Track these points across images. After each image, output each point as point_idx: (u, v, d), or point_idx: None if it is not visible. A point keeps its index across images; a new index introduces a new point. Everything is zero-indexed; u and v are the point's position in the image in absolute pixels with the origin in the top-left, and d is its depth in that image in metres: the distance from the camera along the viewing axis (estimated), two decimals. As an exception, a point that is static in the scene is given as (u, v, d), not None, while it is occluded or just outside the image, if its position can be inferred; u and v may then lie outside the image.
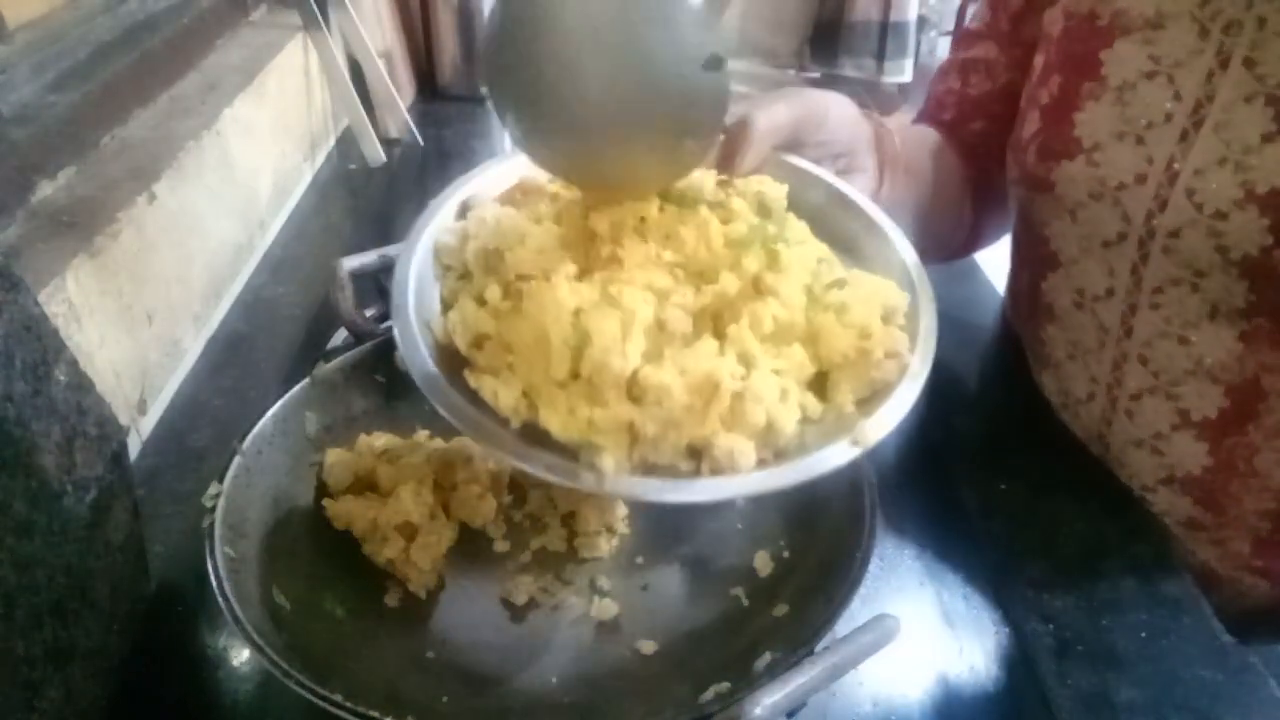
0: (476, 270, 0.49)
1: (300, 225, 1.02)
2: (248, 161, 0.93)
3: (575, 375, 0.43)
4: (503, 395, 0.43)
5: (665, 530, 0.60)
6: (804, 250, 0.49)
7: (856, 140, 0.61)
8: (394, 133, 1.20)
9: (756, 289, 0.46)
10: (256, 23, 1.11)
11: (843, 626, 0.45)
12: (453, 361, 0.46)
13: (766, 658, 0.45)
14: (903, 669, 0.52)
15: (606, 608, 0.53)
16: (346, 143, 1.19)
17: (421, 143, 1.21)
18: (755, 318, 0.46)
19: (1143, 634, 0.55)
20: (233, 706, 0.51)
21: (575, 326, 0.43)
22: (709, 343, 0.45)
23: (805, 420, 0.45)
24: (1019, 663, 0.53)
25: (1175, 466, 0.64)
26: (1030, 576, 0.58)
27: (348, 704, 0.40)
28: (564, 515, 0.60)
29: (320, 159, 1.16)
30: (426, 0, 1.31)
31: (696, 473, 0.43)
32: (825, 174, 0.56)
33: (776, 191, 0.52)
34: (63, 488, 0.44)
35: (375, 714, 0.40)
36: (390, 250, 0.64)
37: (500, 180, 0.55)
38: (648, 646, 0.51)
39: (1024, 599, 0.57)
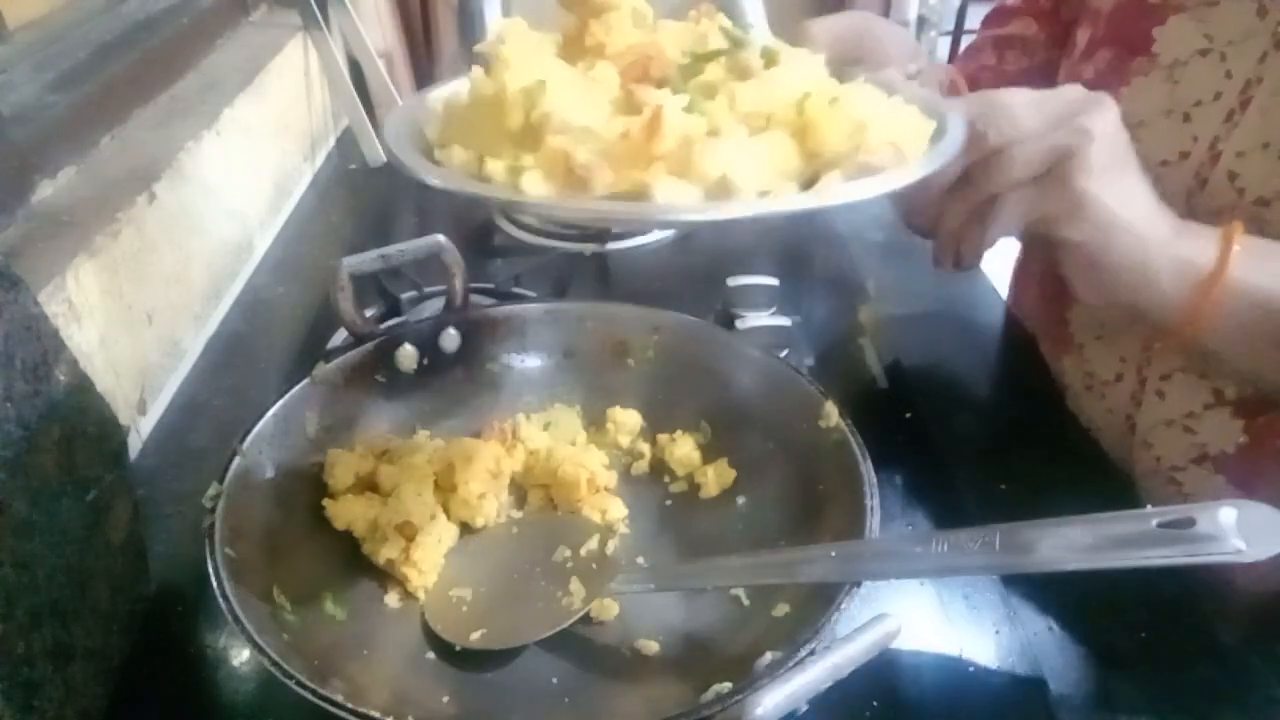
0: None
1: (300, 225, 1.02)
2: (248, 161, 0.93)
3: (530, 132, 0.43)
4: (456, 154, 0.45)
5: (665, 530, 0.60)
6: (807, 57, 0.48)
7: (906, 60, 0.61)
8: (394, 133, 1.20)
9: (735, 73, 0.46)
10: (256, 23, 1.11)
11: (843, 626, 0.45)
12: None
13: (767, 658, 0.45)
14: (903, 669, 0.52)
15: (606, 608, 0.53)
16: (346, 143, 1.19)
17: (421, 143, 1.20)
18: (732, 94, 0.44)
19: (1143, 634, 0.55)
20: (233, 706, 0.51)
21: (535, 86, 0.43)
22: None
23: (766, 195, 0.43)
24: (1019, 663, 0.53)
25: (1208, 445, 0.64)
26: (1030, 576, 0.58)
27: (348, 704, 0.40)
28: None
29: (320, 159, 1.16)
30: (426, 0, 1.31)
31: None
32: (900, 82, 0.53)
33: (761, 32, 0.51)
34: (63, 488, 0.44)
35: (375, 714, 0.40)
36: (390, 250, 0.64)
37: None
38: (648, 646, 0.51)
39: (1024, 599, 0.57)
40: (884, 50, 0.58)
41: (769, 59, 0.47)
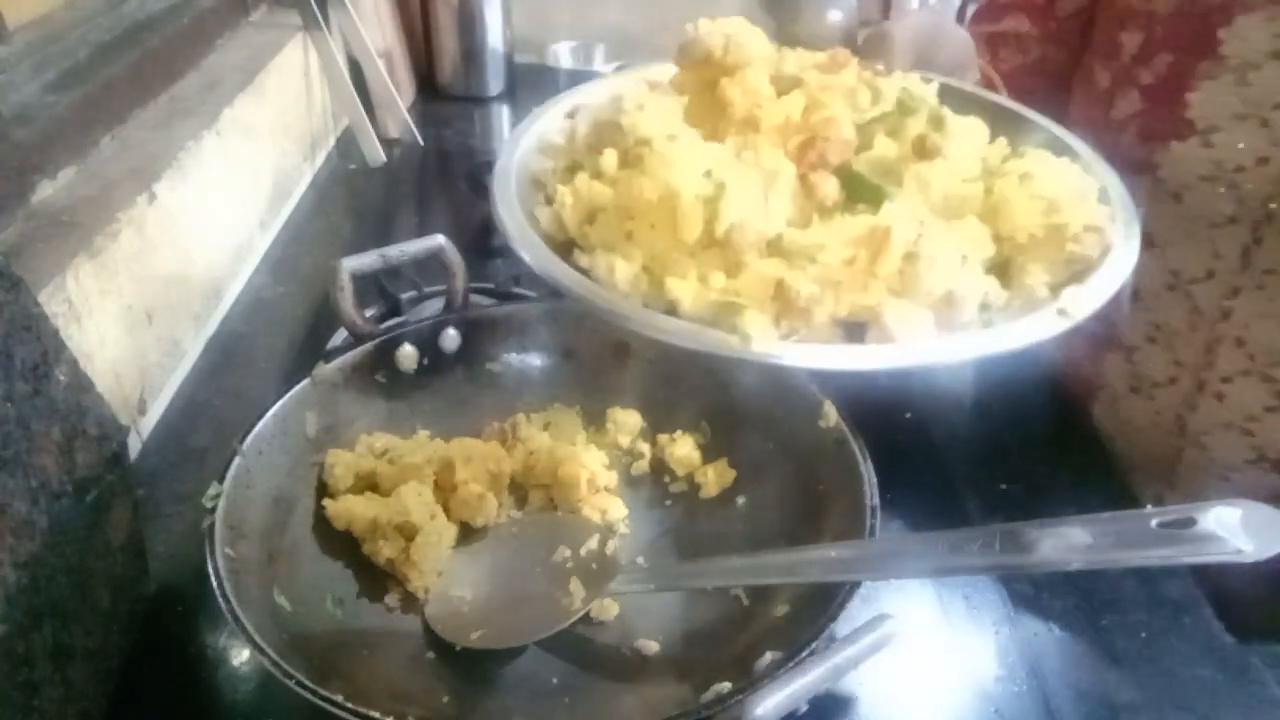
0: (588, 157, 0.45)
1: (300, 225, 1.02)
2: (248, 161, 0.93)
3: (707, 241, 0.38)
4: (620, 269, 0.39)
5: (665, 530, 0.60)
6: (971, 122, 0.44)
7: (969, 61, 0.61)
8: (394, 133, 1.20)
9: (920, 152, 0.41)
10: (256, 23, 1.11)
11: (843, 626, 0.45)
12: (561, 252, 0.42)
13: (767, 658, 0.45)
14: (903, 669, 0.52)
15: (606, 608, 0.53)
16: (346, 143, 1.19)
17: (421, 143, 1.20)
18: (922, 181, 0.40)
19: (1143, 634, 0.55)
20: (233, 706, 0.51)
21: (709, 182, 0.38)
22: (862, 213, 0.39)
23: (985, 308, 0.39)
24: (1019, 663, 0.53)
25: (1267, 447, 0.64)
26: (1030, 577, 0.58)
27: (348, 704, 0.40)
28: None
29: (320, 159, 1.16)
30: (426, 0, 1.31)
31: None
32: (986, 92, 0.53)
33: (922, 88, 0.47)
34: (63, 488, 0.44)
35: (375, 714, 0.40)
36: (390, 250, 0.64)
37: (605, 93, 0.52)
38: (648, 646, 0.51)
39: (1024, 599, 0.57)
40: (951, 51, 0.58)
41: (935, 124, 0.43)
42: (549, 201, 0.45)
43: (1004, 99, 0.52)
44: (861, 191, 0.41)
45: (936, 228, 0.39)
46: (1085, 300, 0.38)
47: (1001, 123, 0.49)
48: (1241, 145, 0.59)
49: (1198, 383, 0.66)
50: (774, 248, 0.37)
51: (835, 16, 0.69)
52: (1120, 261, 0.40)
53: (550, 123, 0.50)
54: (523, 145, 0.49)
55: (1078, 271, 0.40)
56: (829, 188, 0.39)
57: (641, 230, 0.39)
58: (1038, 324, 0.37)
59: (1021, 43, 0.76)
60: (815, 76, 0.45)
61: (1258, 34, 0.58)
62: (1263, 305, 0.61)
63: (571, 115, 0.51)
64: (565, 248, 0.42)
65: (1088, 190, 0.43)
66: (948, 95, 0.49)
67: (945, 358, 0.37)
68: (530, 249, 0.41)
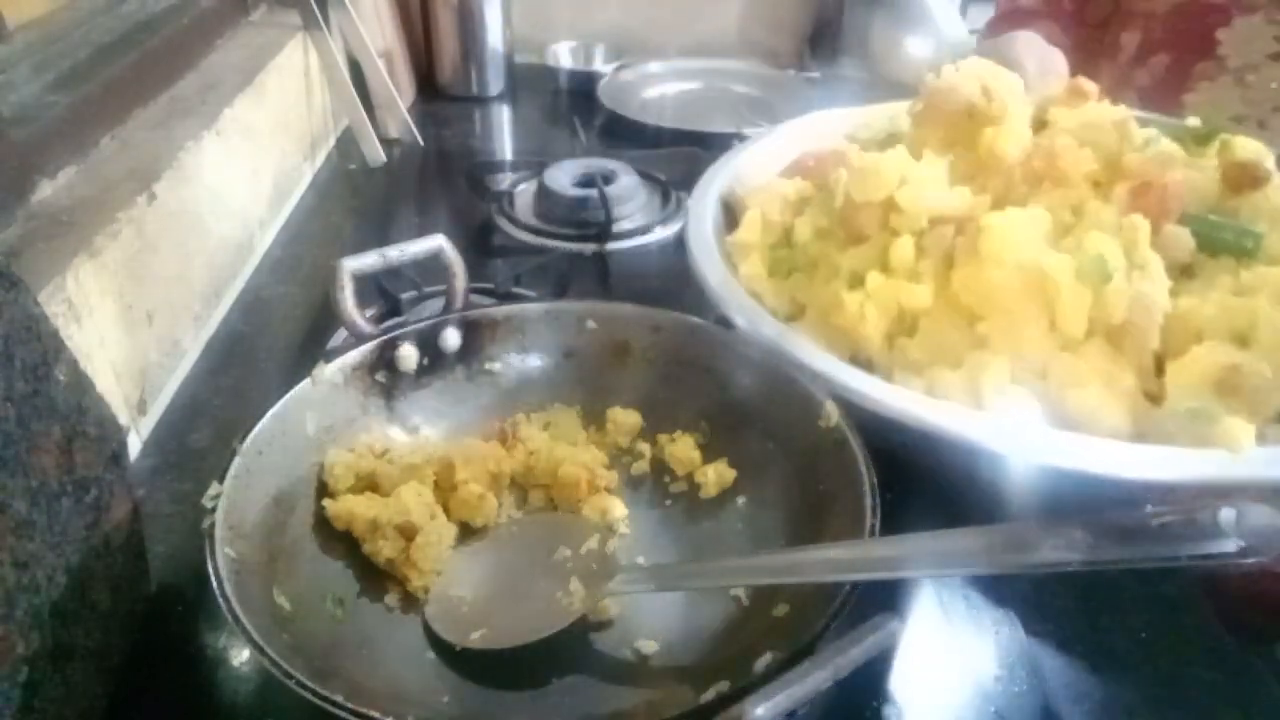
0: (829, 248, 0.38)
1: (300, 225, 1.02)
2: (248, 161, 0.93)
3: (1084, 334, 0.32)
4: (989, 383, 0.31)
5: (665, 530, 0.60)
6: (1247, 142, 0.38)
7: (1062, 69, 0.60)
8: (394, 133, 1.20)
9: (1241, 183, 0.35)
10: (256, 23, 1.11)
11: (842, 627, 0.45)
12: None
13: (767, 658, 0.45)
14: (903, 669, 0.52)
15: (606, 608, 0.53)
16: (346, 143, 1.19)
17: (421, 143, 1.20)
18: (1264, 213, 0.34)
19: (1143, 634, 0.55)
20: (233, 706, 0.51)
21: (1080, 258, 0.31)
22: (1219, 263, 0.33)
23: None
24: (1019, 663, 0.53)
25: None
26: (1030, 576, 0.58)
27: (348, 704, 0.40)
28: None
29: (320, 159, 1.16)
30: (426, 0, 1.31)
31: None
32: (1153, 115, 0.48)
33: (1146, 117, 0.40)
34: (63, 488, 0.44)
35: (375, 714, 0.40)
36: (390, 250, 0.64)
37: (762, 161, 0.46)
38: (648, 646, 0.51)
39: (1024, 599, 0.57)
40: (1054, 60, 0.58)
41: (1227, 149, 0.37)
42: (784, 316, 0.37)
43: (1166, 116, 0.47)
44: (1219, 240, 0.35)
45: None
46: None
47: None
48: None
49: None
50: (1178, 329, 0.31)
51: (922, 50, 0.65)
52: None
53: (709, 214, 0.42)
54: (709, 250, 0.40)
55: None
56: (1183, 240, 0.34)
57: (999, 332, 0.32)
58: None
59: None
60: (1063, 114, 0.40)
61: (1257, 35, 0.59)
62: None
63: (732, 205, 0.43)
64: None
65: None
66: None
67: None
68: (872, 386, 0.32)
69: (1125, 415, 0.31)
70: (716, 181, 0.45)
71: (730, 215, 0.42)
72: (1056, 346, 0.32)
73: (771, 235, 0.40)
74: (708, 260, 0.39)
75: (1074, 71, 0.73)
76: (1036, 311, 0.31)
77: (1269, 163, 0.38)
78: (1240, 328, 0.31)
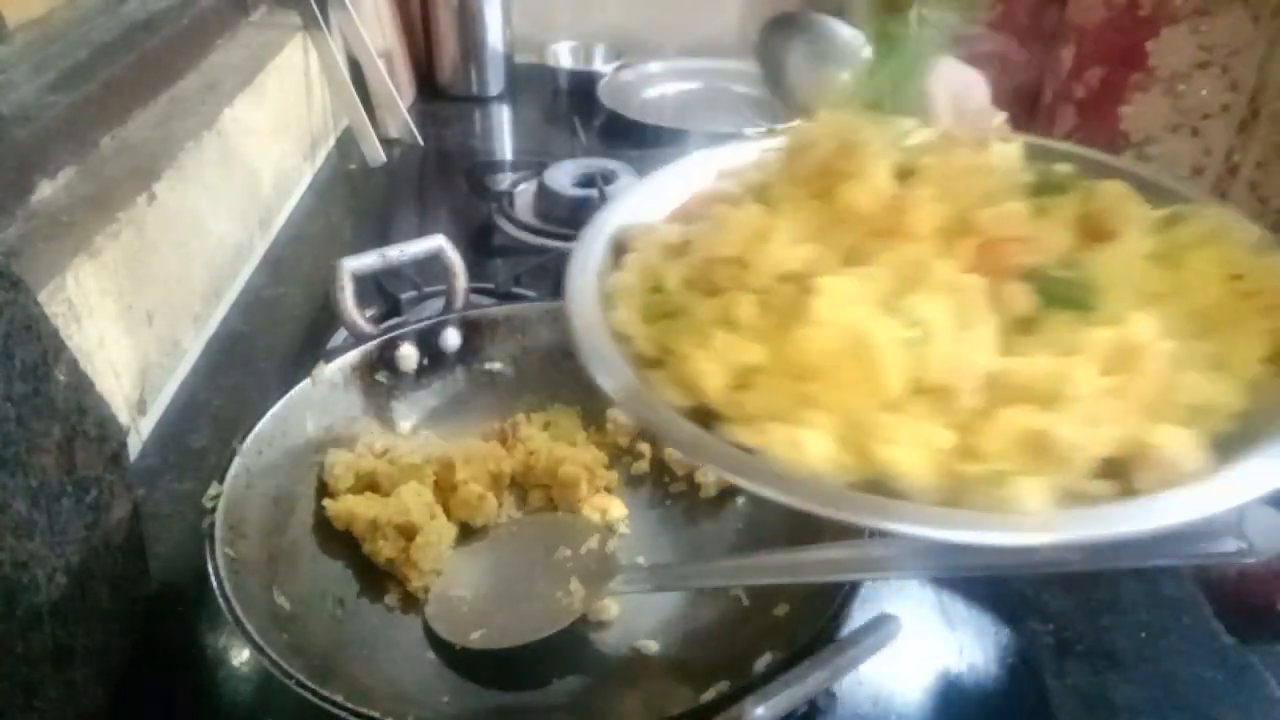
0: (694, 299, 0.38)
1: (300, 225, 1.02)
2: (248, 161, 0.93)
3: (906, 394, 0.32)
4: (811, 444, 0.31)
5: (665, 530, 0.60)
6: (1114, 187, 0.38)
7: (987, 101, 0.59)
8: (394, 133, 1.20)
9: (1093, 234, 0.35)
10: (256, 23, 1.11)
11: (843, 627, 0.45)
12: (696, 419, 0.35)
13: (767, 658, 0.45)
14: (903, 669, 0.52)
15: (606, 608, 0.53)
16: (346, 143, 1.19)
17: (421, 143, 1.20)
18: (1112, 269, 0.34)
19: (1143, 634, 0.55)
20: (233, 706, 0.51)
21: (900, 321, 0.31)
22: (1060, 318, 0.33)
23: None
24: (1019, 663, 0.53)
25: None
26: (1030, 577, 0.58)
27: (348, 704, 0.40)
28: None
29: (320, 159, 1.16)
30: (426, 0, 1.31)
31: (1124, 493, 0.31)
32: (1062, 144, 0.47)
33: (1016, 153, 0.40)
34: (63, 488, 0.44)
35: (375, 714, 0.40)
36: (390, 250, 0.64)
37: (651, 204, 0.45)
38: (648, 646, 0.51)
39: (1024, 599, 0.57)
40: (976, 95, 0.57)
41: (1087, 198, 0.37)
42: (647, 361, 0.37)
43: (1083, 148, 0.45)
44: (1061, 297, 0.34)
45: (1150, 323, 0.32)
46: None
47: (1093, 175, 0.42)
48: (1176, 155, 0.60)
49: None
50: (995, 386, 0.31)
51: (843, 77, 0.66)
52: None
53: (597, 259, 0.42)
54: (585, 291, 0.39)
55: None
56: (1023, 299, 0.33)
57: (825, 391, 0.32)
58: None
59: (1006, 65, 0.75)
60: (933, 162, 0.39)
61: (1184, 45, 0.59)
62: None
63: (622, 246, 0.42)
64: (695, 415, 0.34)
65: (1254, 237, 0.37)
66: (1035, 154, 0.43)
67: (1255, 489, 0.30)
68: (690, 437, 0.33)
69: (934, 474, 0.31)
70: (611, 220, 0.45)
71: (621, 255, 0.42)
72: (880, 406, 0.32)
73: (650, 280, 0.40)
74: (581, 301, 0.39)
75: (1023, 88, 0.72)
76: (858, 372, 0.32)
77: (1129, 210, 0.37)
78: (1055, 389, 0.32)
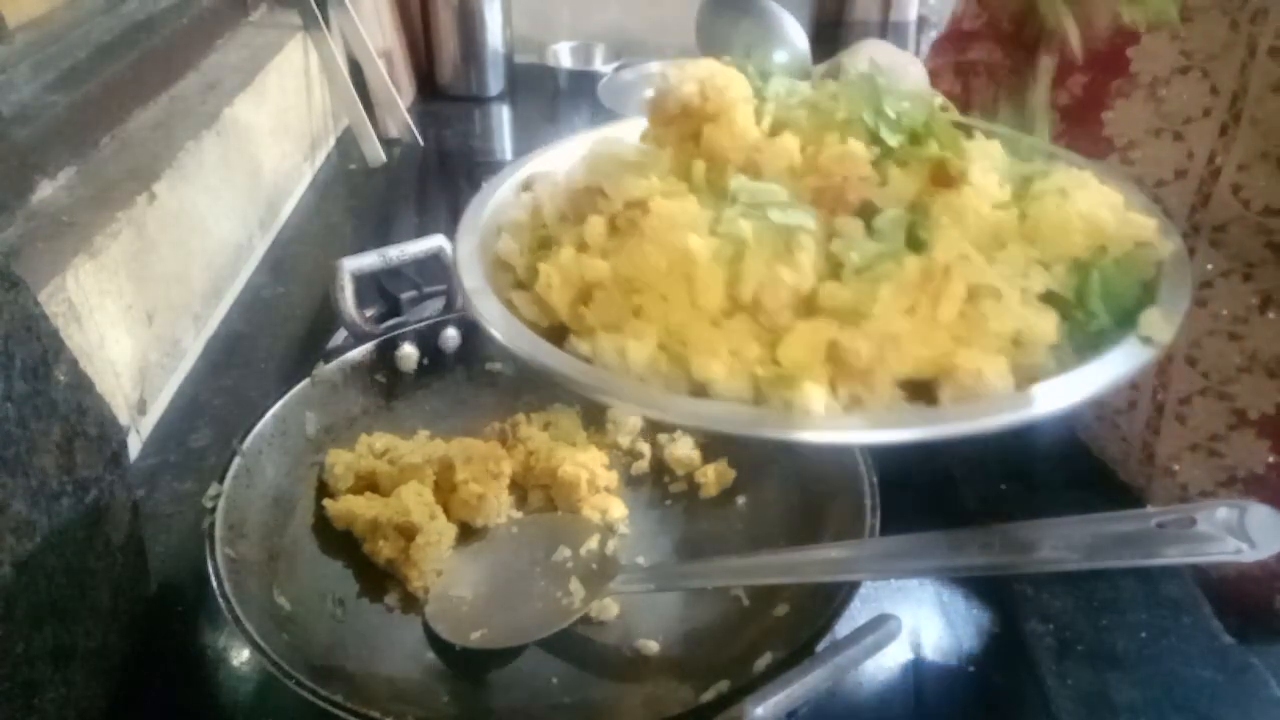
0: (563, 228, 0.41)
1: (300, 225, 1.02)
2: (248, 161, 0.93)
3: (730, 309, 0.34)
4: (633, 351, 0.34)
5: (665, 530, 0.60)
6: (987, 144, 0.40)
7: (925, 90, 0.61)
8: (394, 133, 1.20)
9: (941, 180, 0.37)
10: (256, 23, 1.11)
11: (843, 627, 0.45)
12: (552, 341, 0.37)
13: (767, 658, 0.45)
14: (903, 669, 0.52)
15: (606, 608, 0.53)
16: (346, 143, 1.19)
17: (421, 143, 1.20)
18: (952, 211, 0.36)
19: (1143, 634, 0.55)
20: (233, 706, 0.51)
21: (724, 239, 0.34)
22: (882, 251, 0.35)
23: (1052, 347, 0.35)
24: (1019, 663, 0.53)
25: (1236, 467, 0.63)
26: (1030, 576, 0.58)
27: (348, 704, 0.40)
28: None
29: (320, 159, 1.16)
30: (426, 0, 1.31)
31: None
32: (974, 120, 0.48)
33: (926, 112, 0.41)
34: (63, 488, 0.44)
35: (375, 714, 0.40)
36: (390, 250, 0.64)
37: (561, 160, 0.48)
38: (648, 646, 0.51)
39: (1024, 599, 0.57)
40: (908, 83, 0.58)
41: (951, 147, 0.38)
42: (523, 285, 0.40)
43: (994, 125, 0.47)
44: (884, 234, 0.37)
45: (981, 262, 0.35)
46: (1164, 322, 0.34)
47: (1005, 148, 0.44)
48: (1159, 159, 0.60)
49: (1156, 405, 0.66)
50: (812, 306, 0.33)
51: (781, 58, 0.67)
52: (1180, 274, 0.37)
53: (504, 198, 0.46)
54: (479, 226, 0.43)
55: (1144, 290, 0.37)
56: (854, 232, 0.35)
57: (651, 304, 0.35)
58: (1124, 357, 0.33)
59: (993, 72, 0.75)
60: (806, 115, 0.41)
61: (1164, 51, 0.59)
62: (1208, 321, 0.61)
63: (528, 187, 0.46)
64: (554, 335, 0.37)
65: (1120, 202, 0.39)
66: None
67: (1045, 409, 0.32)
68: (522, 341, 0.36)
69: (745, 383, 0.33)
70: (524, 167, 0.48)
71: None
72: (703, 320, 0.35)
73: (538, 216, 0.44)
74: (471, 231, 0.43)
75: (1010, 93, 0.72)
76: (681, 286, 0.35)
77: (978, 160, 0.39)
78: (860, 309, 0.34)
